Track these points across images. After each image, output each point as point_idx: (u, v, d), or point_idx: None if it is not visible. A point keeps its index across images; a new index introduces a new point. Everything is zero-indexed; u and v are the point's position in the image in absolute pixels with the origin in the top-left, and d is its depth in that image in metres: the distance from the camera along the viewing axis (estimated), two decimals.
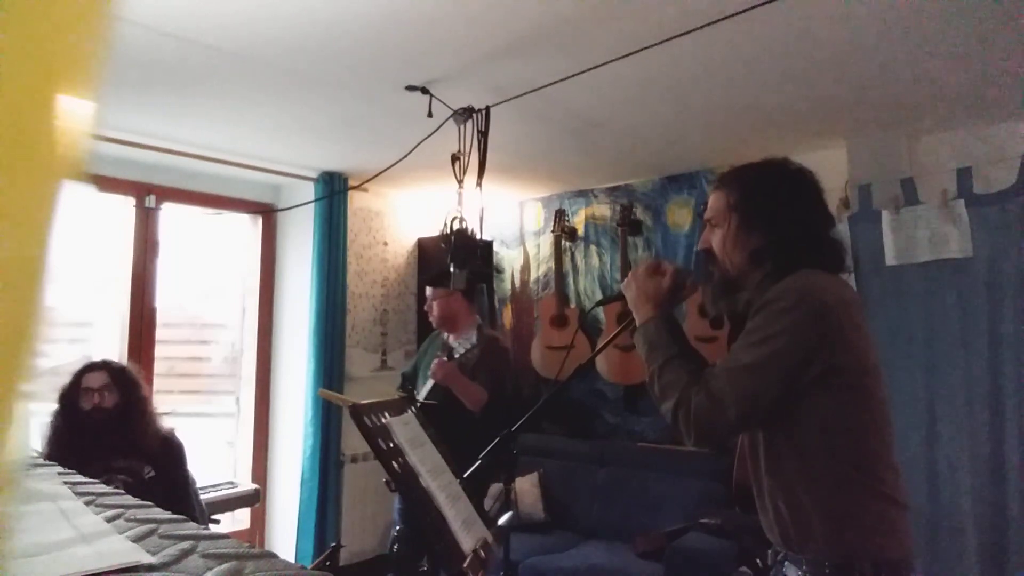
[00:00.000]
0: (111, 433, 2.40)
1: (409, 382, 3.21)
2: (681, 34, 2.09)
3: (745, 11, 1.94)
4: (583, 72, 2.39)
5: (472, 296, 3.17)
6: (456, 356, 2.99)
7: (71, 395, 2.44)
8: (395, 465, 1.22)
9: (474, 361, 2.98)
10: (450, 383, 2.86)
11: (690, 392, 1.29)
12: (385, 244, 4.49)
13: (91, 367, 2.49)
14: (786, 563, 1.32)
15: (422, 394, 2.96)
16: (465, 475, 1.43)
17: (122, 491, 0.87)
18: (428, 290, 3.19)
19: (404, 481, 1.20)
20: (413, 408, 1.50)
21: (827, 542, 1.24)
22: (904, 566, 1.25)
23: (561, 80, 2.46)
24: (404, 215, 4.61)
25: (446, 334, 3.14)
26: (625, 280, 1.52)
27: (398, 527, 3.17)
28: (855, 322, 1.29)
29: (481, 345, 3.04)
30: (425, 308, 3.21)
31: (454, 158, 2.80)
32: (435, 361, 2.91)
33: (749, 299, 1.38)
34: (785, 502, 1.29)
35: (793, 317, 1.25)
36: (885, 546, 1.23)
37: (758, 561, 1.40)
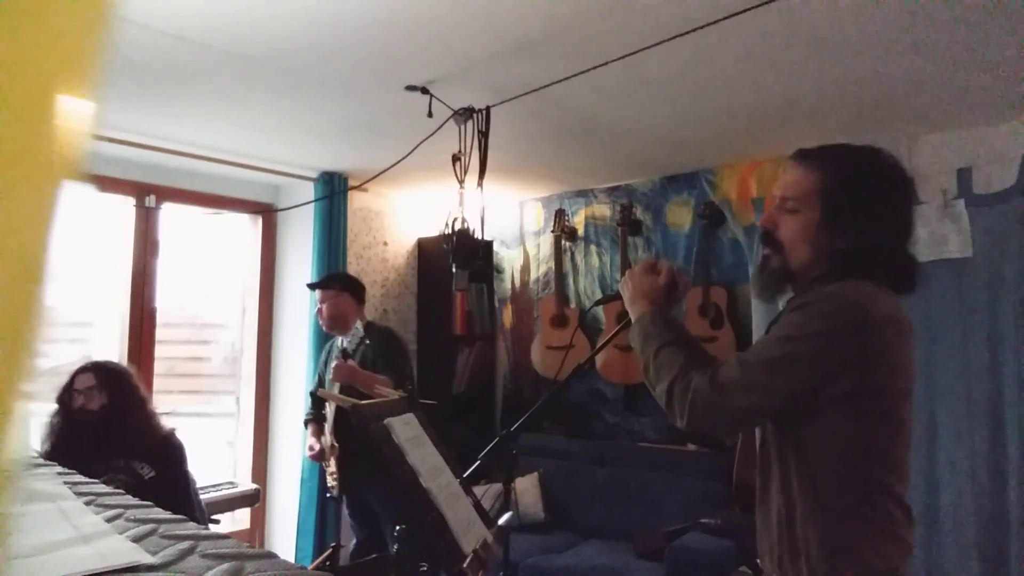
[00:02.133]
0: (95, 435, 2.39)
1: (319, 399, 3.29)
2: (681, 34, 2.09)
3: (745, 11, 1.94)
4: (583, 72, 2.39)
5: (360, 296, 3.28)
6: (349, 354, 3.07)
7: (65, 396, 2.45)
8: (395, 466, 1.22)
9: (371, 355, 3.08)
10: (354, 381, 2.92)
11: (691, 373, 1.20)
12: (385, 244, 4.49)
13: (82, 369, 2.50)
14: None
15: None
16: (465, 475, 1.44)
17: (122, 491, 0.87)
18: (317, 293, 3.27)
19: (404, 482, 1.20)
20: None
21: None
22: None
23: (561, 80, 2.46)
24: (404, 215, 4.61)
25: (339, 339, 3.25)
26: (622, 279, 1.50)
27: (356, 531, 3.21)
28: (901, 345, 1.18)
29: (372, 337, 3.14)
30: (316, 312, 3.31)
31: (455, 158, 2.80)
32: (334, 365, 2.98)
33: (793, 296, 1.28)
34: (788, 527, 1.21)
35: (830, 323, 1.14)
36: None
37: (758, 561, 1.36)
